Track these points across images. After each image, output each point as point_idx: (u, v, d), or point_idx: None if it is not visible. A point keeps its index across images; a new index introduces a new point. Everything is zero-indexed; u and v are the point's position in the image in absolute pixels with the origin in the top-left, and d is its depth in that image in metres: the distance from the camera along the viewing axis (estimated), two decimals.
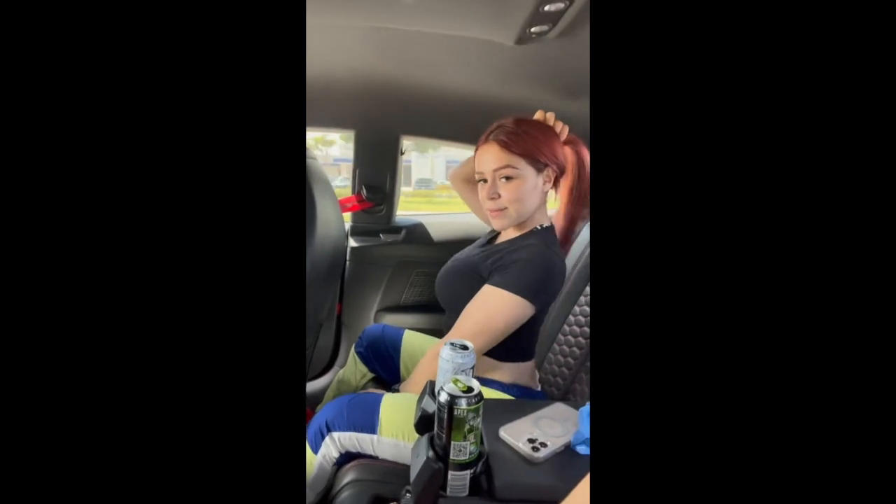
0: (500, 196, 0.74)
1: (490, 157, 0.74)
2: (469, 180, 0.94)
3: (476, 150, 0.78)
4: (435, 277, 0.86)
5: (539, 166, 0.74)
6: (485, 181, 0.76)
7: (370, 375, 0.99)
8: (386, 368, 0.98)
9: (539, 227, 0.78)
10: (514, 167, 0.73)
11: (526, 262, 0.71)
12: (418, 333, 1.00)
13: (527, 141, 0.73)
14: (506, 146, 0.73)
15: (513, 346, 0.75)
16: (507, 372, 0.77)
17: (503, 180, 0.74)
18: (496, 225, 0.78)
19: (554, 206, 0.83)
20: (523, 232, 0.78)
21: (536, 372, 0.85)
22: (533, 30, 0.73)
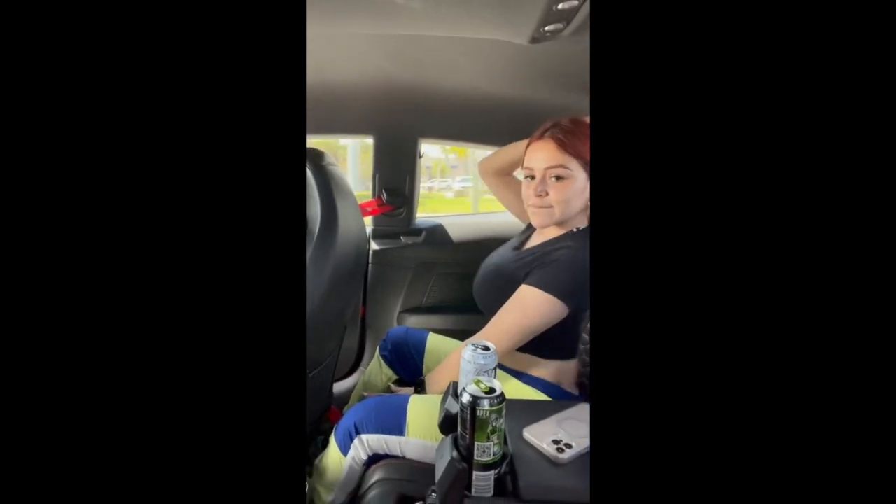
0: (547, 194, 0.74)
1: (544, 154, 0.74)
2: (501, 173, 0.93)
3: (528, 145, 0.77)
4: (456, 278, 0.86)
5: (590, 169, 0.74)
6: (532, 177, 0.76)
7: (395, 378, 1.00)
8: (409, 371, 0.99)
9: (576, 230, 0.77)
10: (566, 167, 0.72)
11: (562, 263, 0.71)
12: (442, 337, 1.01)
13: (583, 141, 0.72)
14: (562, 145, 0.72)
15: (556, 343, 0.75)
16: (550, 370, 0.77)
17: (553, 179, 0.73)
18: (536, 222, 0.78)
19: None
20: (560, 234, 0.78)
21: (577, 374, 0.84)
22: (547, 28, 0.72)
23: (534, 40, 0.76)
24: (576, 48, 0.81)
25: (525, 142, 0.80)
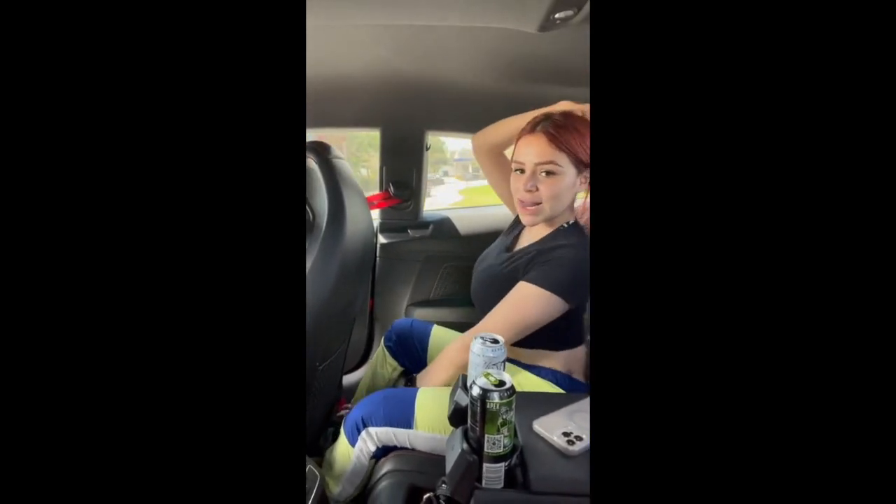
0: (537, 190, 0.73)
1: (535, 149, 0.72)
2: (495, 150, 0.90)
3: (519, 138, 0.76)
4: (464, 271, 0.86)
5: (581, 166, 0.73)
6: (522, 171, 0.74)
7: (401, 369, 1.01)
8: (414, 363, 0.99)
9: (566, 225, 0.77)
10: (557, 163, 0.71)
11: (561, 260, 0.70)
12: (446, 329, 1.01)
13: (574, 137, 0.71)
14: (554, 140, 0.71)
15: (563, 335, 0.75)
16: (560, 360, 0.77)
17: (543, 174, 0.72)
18: (526, 220, 0.77)
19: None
20: (551, 230, 0.77)
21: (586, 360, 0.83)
22: (557, 16, 0.71)
23: (543, 28, 0.75)
24: (586, 35, 0.79)
25: (522, 116, 0.79)
